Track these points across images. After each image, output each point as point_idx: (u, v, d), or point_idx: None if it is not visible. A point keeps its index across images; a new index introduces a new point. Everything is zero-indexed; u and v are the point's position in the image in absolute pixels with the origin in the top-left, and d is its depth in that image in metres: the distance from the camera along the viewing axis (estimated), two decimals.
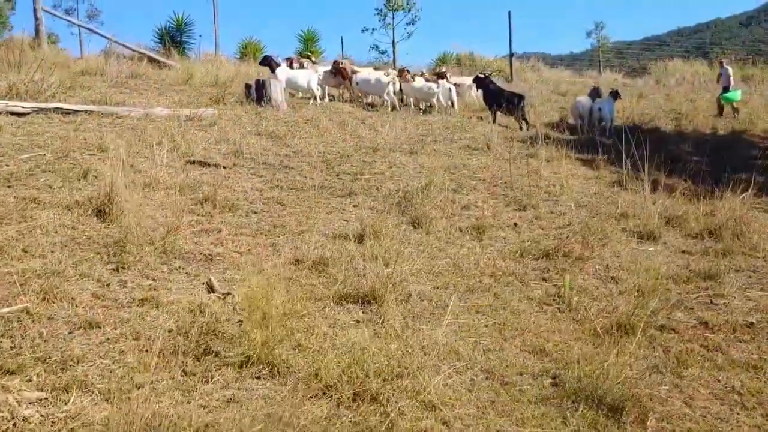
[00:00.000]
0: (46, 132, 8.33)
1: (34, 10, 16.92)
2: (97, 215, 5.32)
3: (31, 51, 15.64)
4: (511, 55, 20.91)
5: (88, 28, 18.73)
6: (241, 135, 9.41)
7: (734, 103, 15.28)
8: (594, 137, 11.84)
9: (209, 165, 7.66)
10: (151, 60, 17.42)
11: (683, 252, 6.14)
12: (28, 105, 9.14)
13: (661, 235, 6.46)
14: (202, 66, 16.68)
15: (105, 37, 17.89)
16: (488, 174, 8.62)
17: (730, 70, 15.98)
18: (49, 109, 9.29)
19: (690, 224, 6.83)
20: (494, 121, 12.94)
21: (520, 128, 12.49)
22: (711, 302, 4.94)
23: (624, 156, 9.09)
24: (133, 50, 18.09)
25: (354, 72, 13.85)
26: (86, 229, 5.08)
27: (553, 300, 4.74)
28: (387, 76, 13.59)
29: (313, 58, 15.72)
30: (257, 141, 9.23)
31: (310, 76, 13.68)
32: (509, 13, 20.69)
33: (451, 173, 8.57)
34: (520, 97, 12.79)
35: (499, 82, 18.18)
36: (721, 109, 15.47)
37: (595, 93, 13.30)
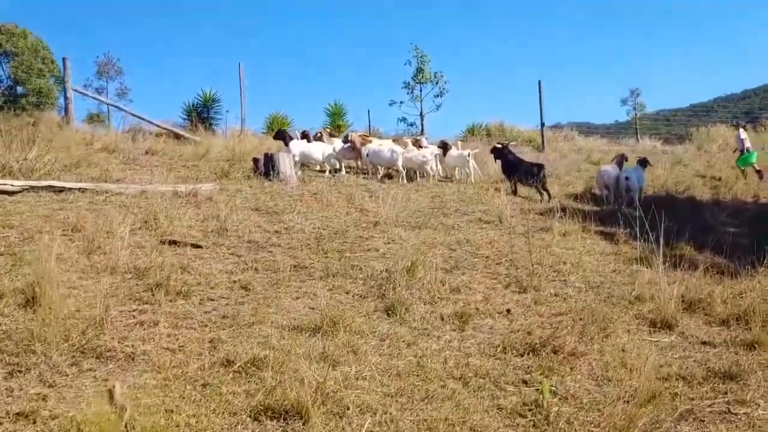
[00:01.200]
0: (28, 211, 8.01)
1: (64, 89, 17.26)
2: (25, 306, 4.80)
3: (59, 129, 15.91)
4: (542, 124, 20.33)
5: (116, 106, 19.06)
6: (233, 211, 8.96)
7: (755, 165, 15.02)
8: (620, 208, 11.03)
9: (185, 244, 7.15)
10: (177, 136, 17.50)
11: (703, 343, 5.24)
12: (18, 183, 8.91)
13: (678, 322, 5.57)
14: (224, 141, 16.62)
15: (132, 114, 18.09)
16: (493, 250, 7.87)
17: (743, 134, 15.73)
18: (41, 187, 9.03)
19: (715, 308, 5.93)
20: (514, 192, 12.24)
21: (541, 199, 11.74)
22: (728, 410, 4.04)
23: (648, 229, 8.35)
24: (159, 126, 18.23)
25: (365, 143, 13.46)
26: (7, 322, 4.55)
27: (530, 410, 3.92)
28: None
29: (330, 131, 15.40)
30: (249, 217, 8.74)
31: (324, 149, 13.39)
32: (539, 82, 20.23)
33: (452, 249, 7.86)
34: (540, 167, 12.09)
35: (527, 153, 17.61)
36: (743, 172, 15.15)
37: (621, 160, 12.51)
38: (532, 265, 7.13)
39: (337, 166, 13.65)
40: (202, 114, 19.75)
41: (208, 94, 20.09)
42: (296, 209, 9.49)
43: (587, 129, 28.65)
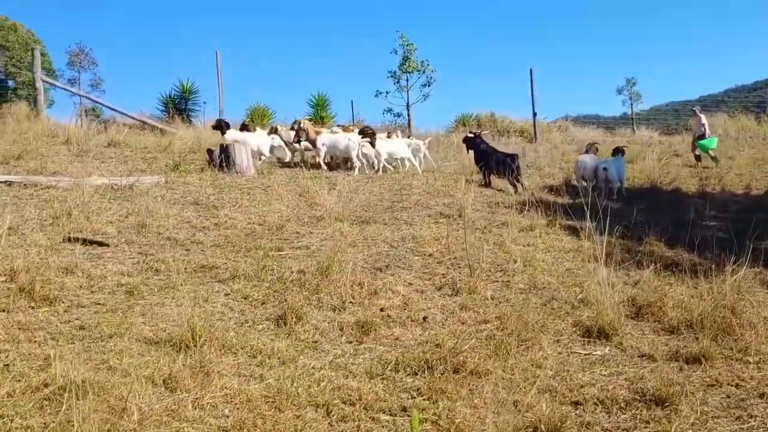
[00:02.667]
0: None
1: (33, 80, 16.66)
2: None
3: (26, 120, 15.34)
4: (534, 114, 19.50)
5: (87, 97, 18.44)
6: (170, 205, 8.31)
7: (711, 151, 14.70)
8: (595, 201, 10.26)
9: (91, 242, 6.49)
10: (154, 128, 16.89)
11: (642, 356, 4.49)
12: None
13: (618, 330, 4.82)
14: (194, 133, 15.97)
15: (103, 105, 17.50)
16: (439, 248, 7.14)
17: (704, 118, 15.37)
18: None
19: (667, 314, 5.17)
20: (488, 184, 11.49)
21: (515, 191, 10.98)
22: None
23: (623, 224, 7.67)
24: (133, 118, 17.64)
25: (318, 133, 12.74)
26: None
27: None
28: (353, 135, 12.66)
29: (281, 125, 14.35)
30: (180, 212, 8.07)
31: (261, 139, 12.61)
32: (530, 70, 19.38)
33: (393, 247, 7.14)
34: (513, 157, 11.32)
35: (514, 144, 16.84)
36: (697, 157, 14.94)
37: (590, 149, 11.73)
38: (476, 263, 6.41)
39: (287, 159, 13.06)
40: (179, 105, 19.12)
41: (185, 85, 19.44)
42: (238, 203, 8.82)
43: (596, 121, 27.70)
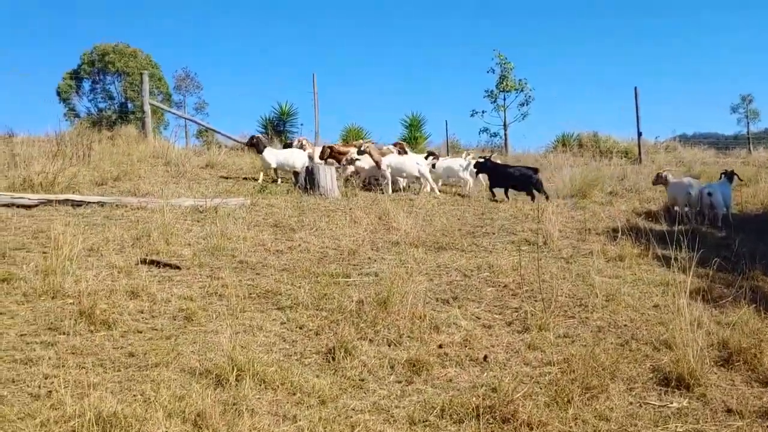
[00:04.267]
0: (28, 225, 7.80)
1: (142, 103, 17.53)
2: None
3: (135, 142, 16.20)
4: (639, 134, 18.52)
5: (192, 120, 19.26)
6: (250, 227, 8.37)
7: None
8: (699, 229, 9.49)
9: (164, 265, 6.59)
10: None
11: (728, 412, 3.95)
12: (35, 197, 8.79)
13: (701, 380, 4.29)
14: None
15: (207, 128, 18.16)
16: (516, 278, 6.74)
17: None
18: (59, 201, 8.86)
19: (763, 362, 4.56)
20: (503, 198, 12.09)
21: (532, 199, 11.66)
22: None
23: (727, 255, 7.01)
24: (234, 140, 18.22)
25: (382, 154, 12.57)
26: None
27: None
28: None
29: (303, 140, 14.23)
30: (258, 234, 8.11)
31: (303, 157, 12.58)
32: (635, 89, 18.47)
33: (466, 276, 6.82)
34: (535, 170, 12.13)
35: (619, 165, 16.10)
36: None
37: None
38: (553, 296, 5.99)
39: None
40: (278, 127, 19.59)
41: (284, 108, 19.92)
42: (316, 226, 8.77)
43: (709, 140, 25.99)
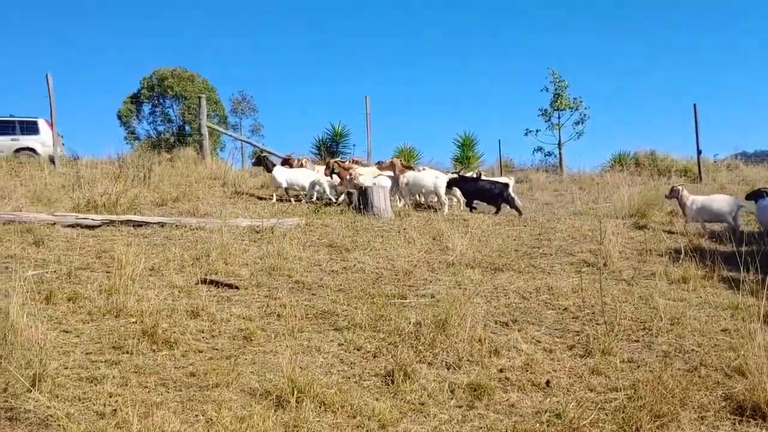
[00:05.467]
0: (93, 245, 8.03)
1: (199, 126, 17.95)
2: None
3: (193, 164, 16.59)
4: (699, 152, 18.01)
5: (248, 142, 19.61)
6: (305, 247, 8.43)
7: None
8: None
9: (223, 285, 6.67)
10: None
11: None
12: (98, 217, 9.05)
13: None
14: None
15: (262, 150, 18.44)
16: (576, 300, 6.59)
17: None
18: (121, 221, 9.11)
19: None
20: (472, 209, 12.63)
21: (495, 213, 12.12)
22: None
23: None
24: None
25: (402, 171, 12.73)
26: None
27: None
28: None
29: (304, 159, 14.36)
30: (313, 254, 8.15)
31: (310, 176, 12.77)
32: (694, 105, 18.01)
33: (524, 298, 6.69)
34: (505, 185, 12.61)
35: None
36: None
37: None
38: (616, 320, 5.82)
39: (331, 196, 12.80)
40: (331, 148, 19.79)
41: (337, 129, 20.12)
42: (370, 246, 8.77)
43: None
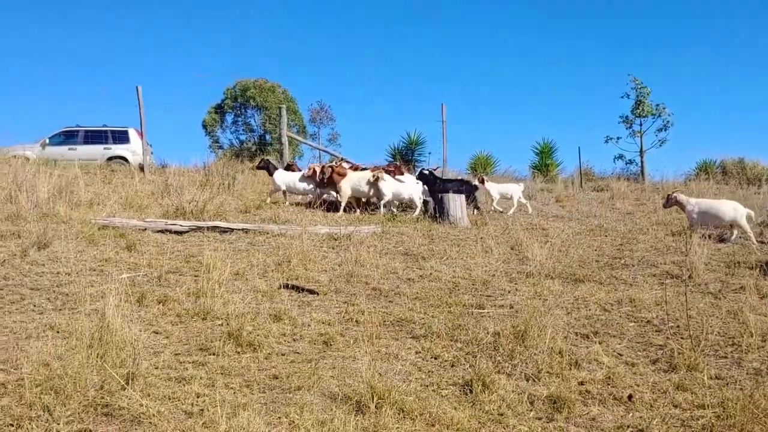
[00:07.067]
0: (181, 250, 8.38)
1: (279, 135, 18.39)
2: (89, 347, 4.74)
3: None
4: None
5: (326, 151, 19.94)
6: (381, 255, 8.52)
7: None
8: None
9: (302, 290, 6.84)
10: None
11: None
12: (186, 224, 9.42)
13: None
14: None
15: (340, 158, 18.73)
16: (659, 313, 6.40)
17: None
18: (207, 227, 9.46)
19: None
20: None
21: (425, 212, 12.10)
22: None
23: None
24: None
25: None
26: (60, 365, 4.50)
27: None
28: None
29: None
30: (389, 262, 8.24)
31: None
32: None
33: (605, 310, 6.56)
34: (471, 187, 12.83)
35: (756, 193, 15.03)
36: None
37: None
38: (702, 334, 5.62)
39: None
40: (406, 156, 19.89)
41: (412, 137, 20.22)
42: (446, 255, 8.79)
43: None
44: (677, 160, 50.77)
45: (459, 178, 14.63)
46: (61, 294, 6.28)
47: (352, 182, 12.33)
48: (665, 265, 8.65)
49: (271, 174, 13.28)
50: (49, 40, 56.29)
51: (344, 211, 12.06)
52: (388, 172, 12.93)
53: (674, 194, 11.05)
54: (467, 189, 12.49)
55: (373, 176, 12.24)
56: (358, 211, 12.35)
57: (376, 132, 52.85)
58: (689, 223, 10.83)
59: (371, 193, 12.41)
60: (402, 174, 13.39)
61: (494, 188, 13.71)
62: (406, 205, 13.04)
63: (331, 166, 12.89)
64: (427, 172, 13.25)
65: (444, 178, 13.91)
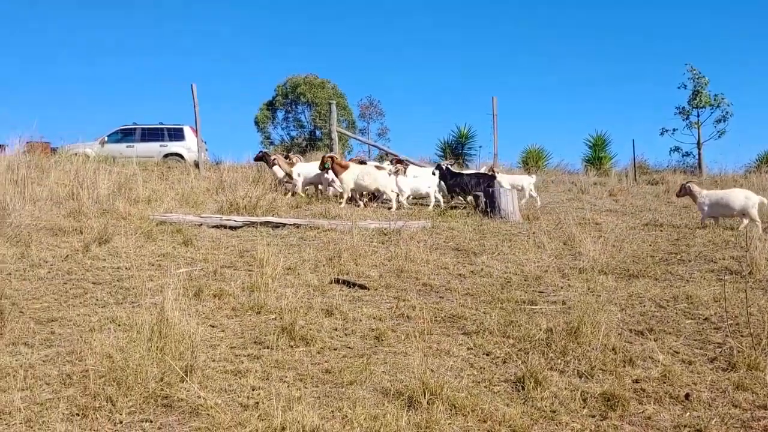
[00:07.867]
0: (235, 245, 8.56)
1: (329, 131, 18.55)
2: (150, 339, 4.90)
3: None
4: None
5: (375, 146, 20.02)
6: (432, 250, 8.53)
7: None
8: None
9: (353, 285, 6.91)
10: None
11: None
12: (240, 219, 9.61)
13: None
14: None
15: (388, 153, 18.79)
16: (717, 310, 6.23)
17: None
18: (260, 222, 9.63)
19: None
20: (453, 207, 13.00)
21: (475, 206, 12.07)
22: None
23: None
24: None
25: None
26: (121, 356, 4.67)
27: None
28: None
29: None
30: (440, 257, 8.24)
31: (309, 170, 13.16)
32: None
33: (661, 307, 6.42)
34: (491, 178, 12.57)
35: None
36: None
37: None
38: (763, 332, 5.45)
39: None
40: (456, 150, 19.80)
41: (462, 131, 20.10)
42: (498, 250, 8.74)
43: None
44: (737, 153, 49.04)
45: (474, 171, 14.50)
46: (122, 288, 6.50)
47: (354, 175, 12.38)
48: (724, 261, 8.40)
49: (270, 167, 13.56)
50: (106, 38, 58.03)
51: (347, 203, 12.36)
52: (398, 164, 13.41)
53: (688, 184, 11.04)
54: (485, 181, 12.36)
55: (394, 170, 12.39)
56: (361, 204, 12.40)
57: (426, 126, 52.76)
58: (700, 216, 10.80)
59: (373, 188, 12.50)
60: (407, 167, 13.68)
61: (505, 179, 13.61)
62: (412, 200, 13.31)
63: (331, 157, 12.83)
64: (444, 166, 13.28)
65: (457, 171, 13.76)
